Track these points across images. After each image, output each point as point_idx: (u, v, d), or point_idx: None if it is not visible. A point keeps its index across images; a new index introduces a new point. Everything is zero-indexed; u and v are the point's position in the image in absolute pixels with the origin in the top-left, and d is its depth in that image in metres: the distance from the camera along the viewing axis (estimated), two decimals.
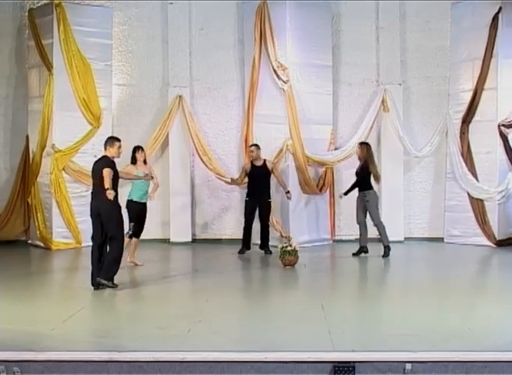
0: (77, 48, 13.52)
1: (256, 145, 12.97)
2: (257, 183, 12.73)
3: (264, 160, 12.84)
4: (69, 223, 13.47)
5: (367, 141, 12.95)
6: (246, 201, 12.93)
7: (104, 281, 9.22)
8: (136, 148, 11.45)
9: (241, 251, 12.71)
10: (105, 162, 9.35)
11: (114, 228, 9.24)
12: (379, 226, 12.16)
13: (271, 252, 12.44)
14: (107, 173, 9.13)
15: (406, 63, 14.36)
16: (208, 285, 9.91)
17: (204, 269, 11.48)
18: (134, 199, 11.11)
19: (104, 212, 9.21)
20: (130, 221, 10.92)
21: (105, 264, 9.28)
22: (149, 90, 14.58)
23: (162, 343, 6.71)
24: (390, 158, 14.05)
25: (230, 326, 7.58)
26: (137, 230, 11.21)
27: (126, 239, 10.30)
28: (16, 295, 9.04)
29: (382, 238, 12.17)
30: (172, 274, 11.12)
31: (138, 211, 11.13)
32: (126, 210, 10.58)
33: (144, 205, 11.23)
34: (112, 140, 9.64)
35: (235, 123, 14.43)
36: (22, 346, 6.50)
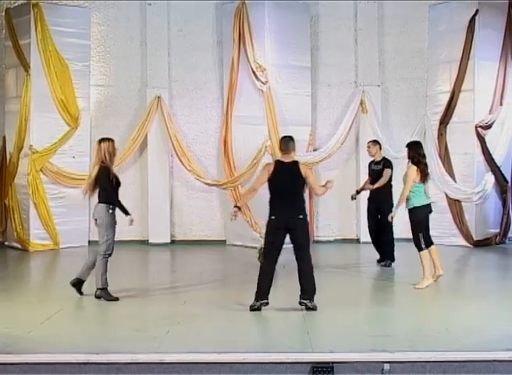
0: (55, 49, 13.45)
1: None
2: None
3: None
4: (47, 224, 13.38)
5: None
6: None
7: None
8: None
9: None
10: None
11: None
12: None
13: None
14: None
15: (384, 65, 14.43)
16: (186, 286, 9.88)
17: (182, 271, 11.44)
18: None
19: None
20: None
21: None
22: (127, 91, 14.51)
23: (140, 344, 6.69)
24: (369, 160, 14.04)
25: (208, 327, 7.56)
26: None
27: None
28: None
29: None
30: (150, 276, 11.06)
31: None
32: None
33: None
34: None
35: (214, 124, 14.41)
36: None
